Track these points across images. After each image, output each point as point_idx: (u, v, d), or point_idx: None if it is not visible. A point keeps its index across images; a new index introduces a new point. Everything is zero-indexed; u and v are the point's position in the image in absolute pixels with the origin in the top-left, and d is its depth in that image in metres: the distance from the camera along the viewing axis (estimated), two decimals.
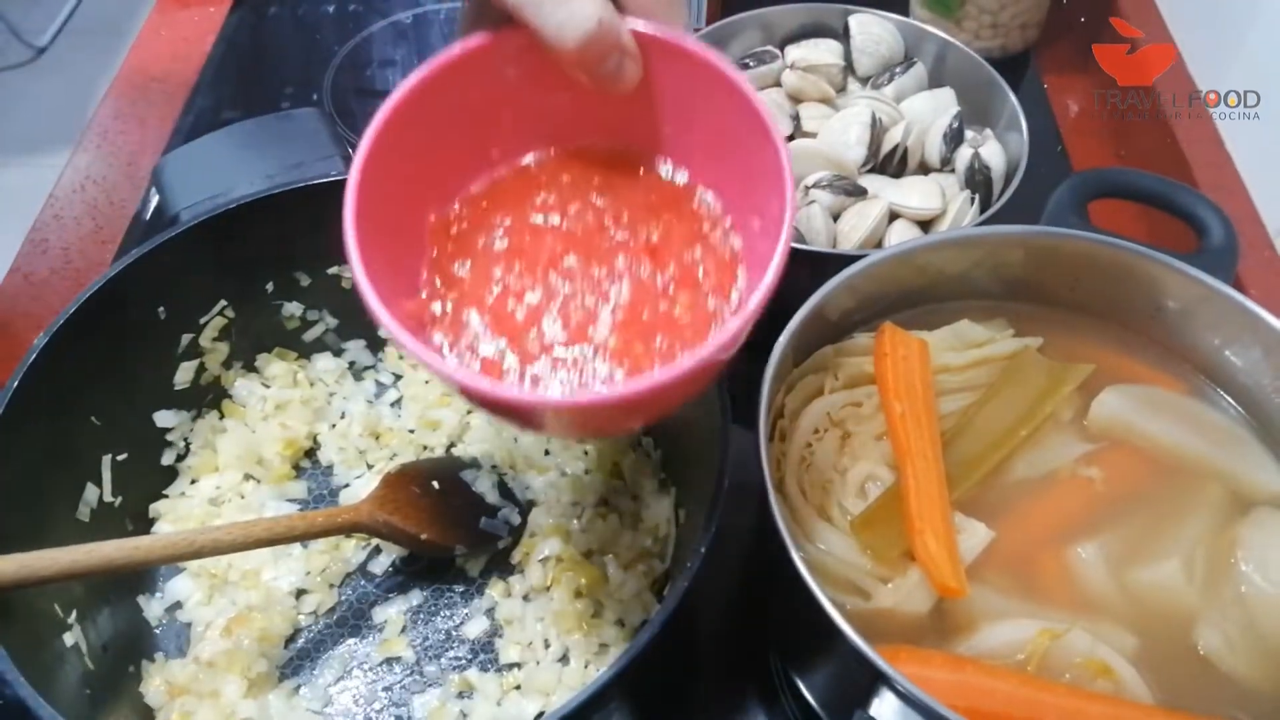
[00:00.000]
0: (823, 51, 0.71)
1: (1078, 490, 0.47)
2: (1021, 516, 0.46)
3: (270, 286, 0.60)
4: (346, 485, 0.59)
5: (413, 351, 0.31)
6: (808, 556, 0.42)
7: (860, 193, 0.63)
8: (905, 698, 0.36)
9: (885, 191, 0.64)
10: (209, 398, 0.60)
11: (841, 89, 0.72)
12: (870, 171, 0.66)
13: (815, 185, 0.63)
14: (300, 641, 0.53)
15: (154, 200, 0.74)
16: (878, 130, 0.65)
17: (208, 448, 0.59)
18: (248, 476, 0.59)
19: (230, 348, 0.60)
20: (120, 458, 0.54)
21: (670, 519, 0.54)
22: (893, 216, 0.64)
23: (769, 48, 0.73)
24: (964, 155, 0.65)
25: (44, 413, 0.49)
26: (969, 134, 0.66)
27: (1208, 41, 0.79)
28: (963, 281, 0.53)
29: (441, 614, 0.54)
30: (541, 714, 0.49)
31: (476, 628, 0.53)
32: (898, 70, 0.70)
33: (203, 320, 0.58)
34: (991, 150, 0.64)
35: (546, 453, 0.59)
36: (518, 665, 0.52)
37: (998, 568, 0.44)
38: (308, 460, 0.61)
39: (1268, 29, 0.71)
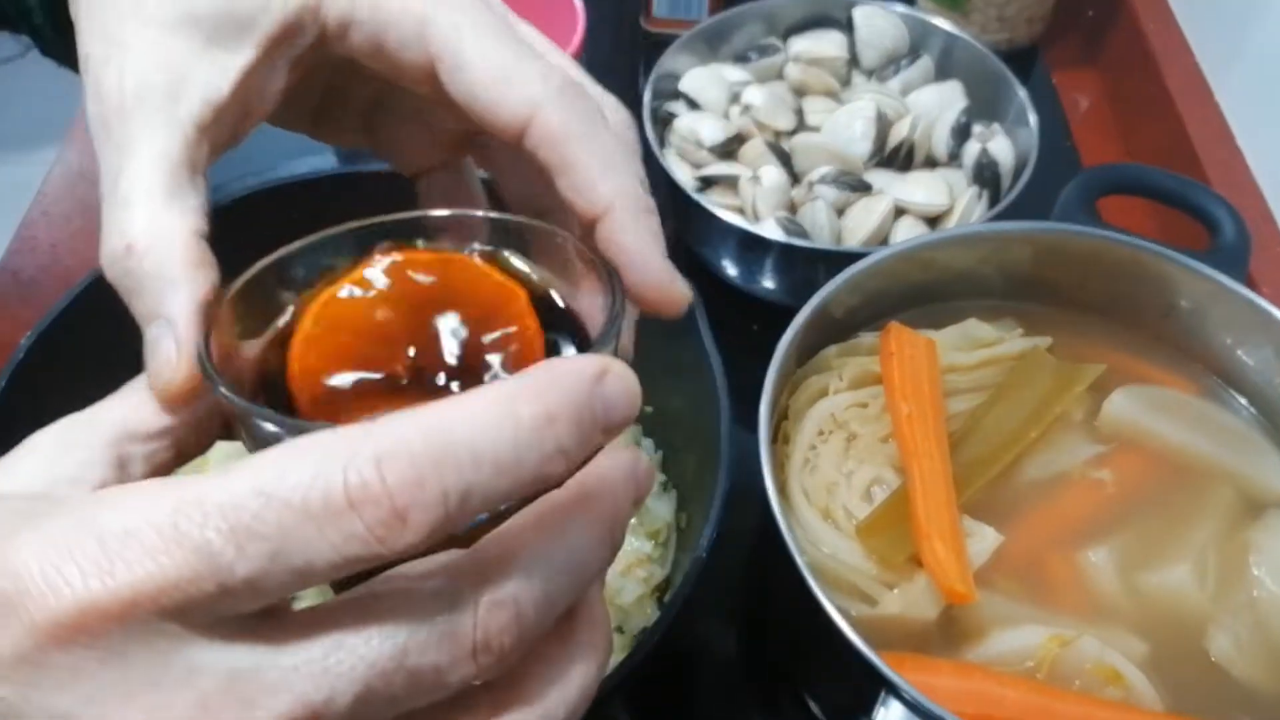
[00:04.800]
0: (826, 44, 0.70)
1: (1088, 493, 0.46)
2: (1031, 520, 0.45)
3: None
4: None
5: None
6: (812, 561, 0.42)
7: (865, 188, 0.62)
8: (911, 706, 0.36)
9: (891, 187, 0.63)
10: None
11: (846, 82, 0.71)
12: (876, 166, 0.65)
13: (819, 180, 0.62)
14: None
15: None
16: (883, 124, 0.65)
17: None
18: None
19: None
20: None
21: (671, 523, 0.54)
22: (899, 212, 0.63)
23: (772, 40, 0.72)
24: (971, 150, 0.64)
25: (32, 415, 0.48)
26: (976, 128, 0.65)
27: (1218, 34, 0.78)
28: (970, 279, 0.53)
29: None
30: None
31: None
32: (903, 63, 0.69)
33: None
34: (1000, 145, 0.63)
35: None
36: None
37: (1007, 572, 0.43)
38: None
39: (1279, 22, 0.70)
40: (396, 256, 0.27)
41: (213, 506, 0.18)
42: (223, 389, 0.23)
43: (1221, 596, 0.43)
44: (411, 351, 0.26)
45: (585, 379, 0.20)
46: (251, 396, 0.25)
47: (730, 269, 0.64)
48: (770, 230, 0.60)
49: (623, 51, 0.85)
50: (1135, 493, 0.46)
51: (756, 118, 0.66)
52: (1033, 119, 0.63)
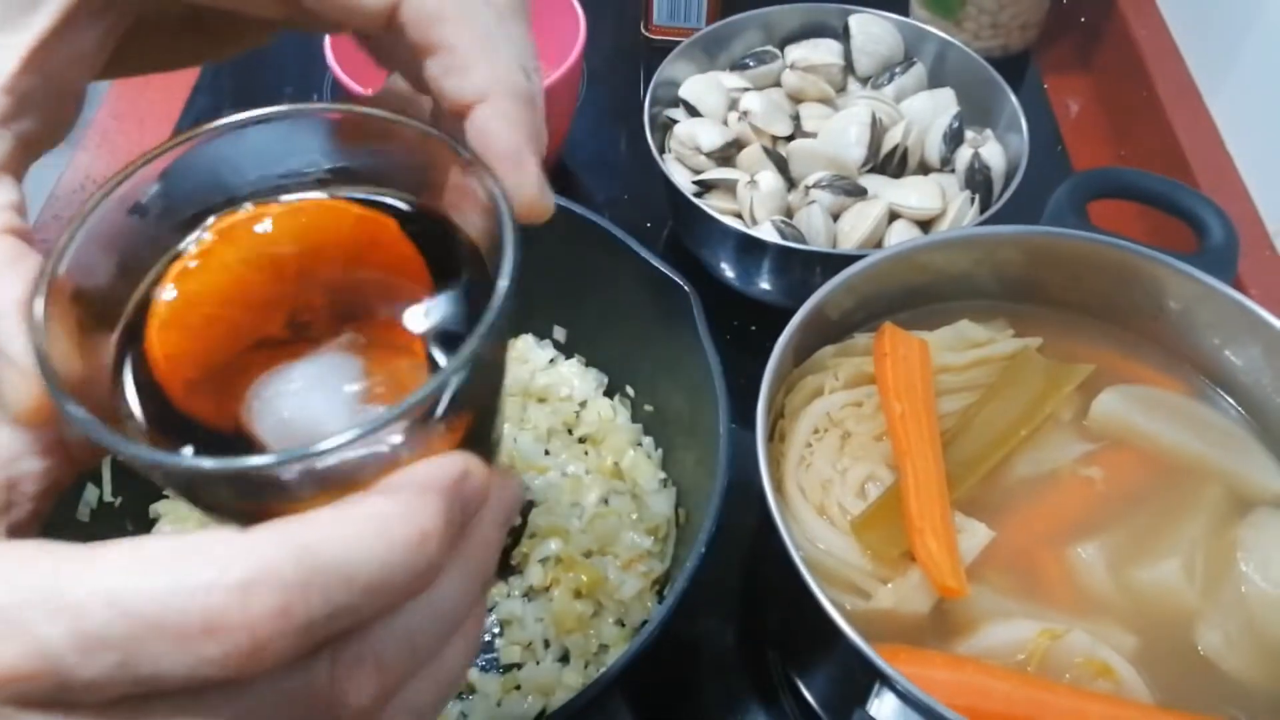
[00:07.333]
0: (823, 51, 0.71)
1: (1078, 490, 0.47)
2: (1022, 516, 0.46)
3: None
4: None
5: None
6: (808, 556, 0.42)
7: (860, 193, 0.63)
8: (905, 697, 0.36)
9: (885, 191, 0.64)
10: None
11: (841, 89, 0.72)
12: (870, 171, 0.66)
13: (815, 185, 0.63)
14: None
15: None
16: (877, 130, 0.65)
17: None
18: None
19: None
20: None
21: (670, 519, 0.54)
22: (893, 216, 0.64)
23: (769, 48, 0.73)
24: (964, 155, 0.65)
25: None
26: (969, 134, 0.66)
27: (1209, 41, 0.79)
28: (963, 281, 0.53)
29: None
30: (542, 714, 0.49)
31: None
32: (897, 70, 0.70)
33: None
34: (991, 150, 0.64)
35: (546, 453, 0.59)
36: (518, 665, 0.52)
37: (998, 568, 0.44)
38: None
39: (1269, 29, 0.71)
40: (240, 214, 0.24)
41: (64, 604, 0.17)
42: (71, 408, 0.19)
43: (1210, 592, 0.44)
44: (285, 309, 0.24)
45: (463, 490, 0.20)
46: (114, 393, 0.22)
47: (728, 271, 0.65)
48: (767, 233, 0.61)
49: (624, 59, 0.86)
50: (1125, 490, 0.47)
51: (754, 124, 0.67)
52: (1024, 125, 0.64)
